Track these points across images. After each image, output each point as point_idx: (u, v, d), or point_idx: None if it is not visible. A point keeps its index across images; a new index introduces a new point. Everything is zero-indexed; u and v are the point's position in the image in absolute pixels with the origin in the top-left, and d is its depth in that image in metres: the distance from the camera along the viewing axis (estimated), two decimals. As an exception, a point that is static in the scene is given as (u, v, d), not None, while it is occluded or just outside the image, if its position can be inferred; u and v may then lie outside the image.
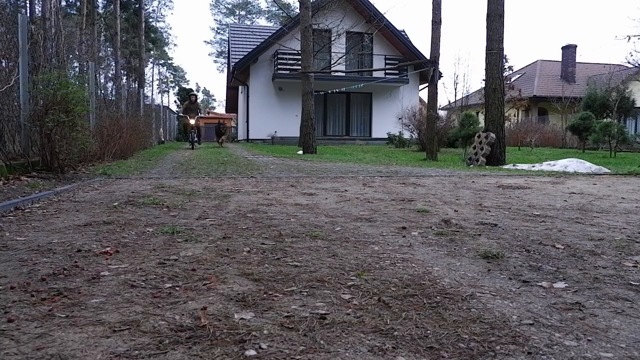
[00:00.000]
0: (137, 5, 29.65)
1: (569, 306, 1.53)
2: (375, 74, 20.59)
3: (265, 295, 1.58)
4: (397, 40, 20.86)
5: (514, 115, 24.73)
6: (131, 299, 1.53)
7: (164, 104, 29.10)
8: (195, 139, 14.31)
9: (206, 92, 64.68)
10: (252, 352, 1.17)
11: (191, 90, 17.24)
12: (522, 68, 29.58)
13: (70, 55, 8.09)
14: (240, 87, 24.83)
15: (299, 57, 15.29)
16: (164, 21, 60.20)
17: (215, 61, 54.80)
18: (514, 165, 8.42)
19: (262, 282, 1.72)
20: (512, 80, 25.54)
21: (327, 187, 4.79)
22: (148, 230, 2.58)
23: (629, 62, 16.75)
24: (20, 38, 5.13)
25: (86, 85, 7.58)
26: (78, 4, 26.30)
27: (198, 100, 15.15)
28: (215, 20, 62.58)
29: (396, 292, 1.64)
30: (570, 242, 2.44)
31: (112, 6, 26.82)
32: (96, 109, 8.07)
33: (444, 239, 2.47)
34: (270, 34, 20.59)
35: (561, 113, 21.06)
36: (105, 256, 2.04)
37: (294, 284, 1.70)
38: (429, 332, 1.31)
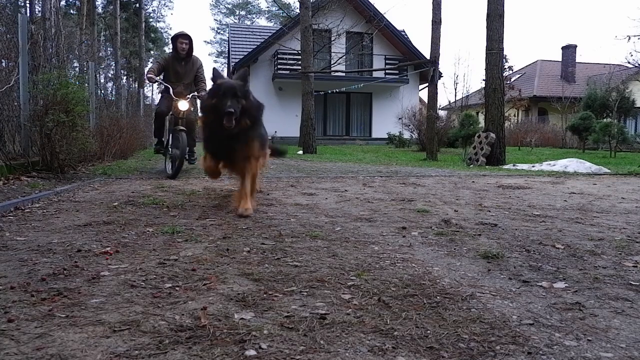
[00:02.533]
0: (137, 5, 29.67)
1: (569, 306, 1.53)
2: (375, 74, 20.60)
3: (265, 295, 1.58)
4: (397, 40, 20.87)
5: (514, 115, 24.75)
6: (131, 299, 1.53)
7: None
8: (184, 148, 5.53)
9: (206, 92, 64.61)
10: (252, 352, 1.17)
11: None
12: (522, 68, 29.60)
13: (70, 55, 8.09)
14: (240, 87, 24.79)
15: (299, 57, 15.29)
16: (164, 21, 60.25)
17: (216, 61, 54.77)
18: (514, 165, 8.42)
19: (262, 282, 1.72)
20: (512, 80, 25.56)
21: (327, 187, 4.79)
22: (148, 230, 2.58)
23: (629, 62, 16.78)
24: (20, 38, 5.13)
25: (86, 85, 7.58)
26: (78, 4, 26.31)
27: (195, 54, 6.17)
28: (215, 20, 62.57)
29: (396, 292, 1.64)
30: (570, 242, 2.44)
31: (112, 6, 26.83)
32: (96, 109, 8.08)
33: (444, 239, 2.47)
34: (270, 34, 20.61)
35: (561, 113, 21.08)
36: (105, 256, 2.04)
37: (294, 284, 1.70)
38: (429, 332, 1.31)
